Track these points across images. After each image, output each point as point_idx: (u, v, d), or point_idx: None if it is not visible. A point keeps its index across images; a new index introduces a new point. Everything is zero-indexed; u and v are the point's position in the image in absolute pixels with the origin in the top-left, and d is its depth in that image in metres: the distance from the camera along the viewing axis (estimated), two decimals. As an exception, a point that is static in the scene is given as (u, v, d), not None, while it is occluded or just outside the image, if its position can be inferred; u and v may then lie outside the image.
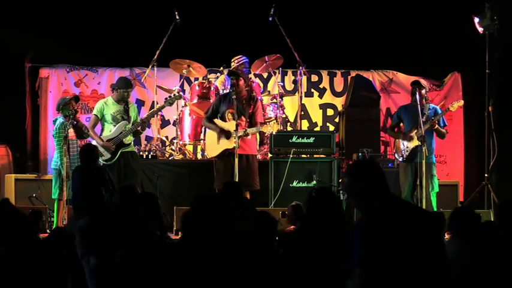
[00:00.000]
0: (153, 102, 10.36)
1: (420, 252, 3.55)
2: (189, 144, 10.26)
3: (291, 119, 10.91)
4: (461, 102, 8.98)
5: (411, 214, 3.68)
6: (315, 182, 8.91)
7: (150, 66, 10.24)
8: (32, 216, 6.88)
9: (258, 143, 9.41)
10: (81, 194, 7.23)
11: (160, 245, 4.43)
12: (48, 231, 8.44)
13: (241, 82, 8.60)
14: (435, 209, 8.28)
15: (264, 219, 5.34)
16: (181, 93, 9.50)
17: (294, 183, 8.99)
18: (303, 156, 9.23)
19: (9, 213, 4.49)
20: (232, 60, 10.07)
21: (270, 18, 10.12)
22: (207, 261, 3.75)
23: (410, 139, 8.44)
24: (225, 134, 8.44)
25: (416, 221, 3.64)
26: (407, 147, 8.48)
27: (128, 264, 4.20)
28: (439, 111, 8.62)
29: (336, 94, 11.62)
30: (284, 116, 10.26)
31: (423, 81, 8.68)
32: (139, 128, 8.70)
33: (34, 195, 9.32)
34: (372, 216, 3.62)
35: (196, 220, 3.83)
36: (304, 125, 11.33)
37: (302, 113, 10.82)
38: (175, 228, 7.99)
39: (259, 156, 9.37)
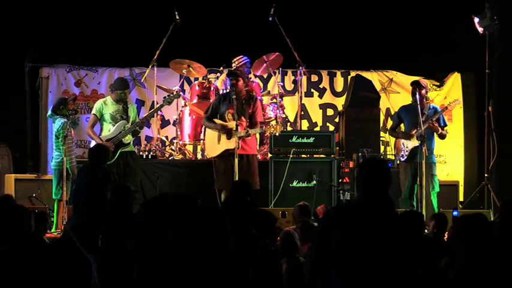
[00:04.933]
0: (153, 102, 10.36)
1: (370, 249, 3.66)
2: (189, 144, 10.25)
3: (291, 119, 10.91)
4: (460, 102, 8.98)
5: (374, 215, 3.76)
6: (314, 182, 8.91)
7: (150, 66, 10.24)
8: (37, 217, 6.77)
9: (258, 143, 9.41)
10: (83, 194, 7.18)
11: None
12: (48, 231, 8.46)
13: (241, 82, 8.60)
14: (436, 209, 8.30)
15: (265, 217, 5.36)
16: (180, 92, 9.50)
17: (294, 183, 8.99)
18: (303, 156, 9.22)
19: (9, 210, 4.48)
20: (233, 61, 10.05)
21: (270, 18, 10.12)
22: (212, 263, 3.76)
23: (410, 138, 8.45)
24: (227, 131, 8.43)
25: (376, 222, 3.73)
26: (407, 147, 8.49)
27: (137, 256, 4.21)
28: (439, 111, 8.61)
29: (336, 94, 11.62)
30: (284, 116, 10.26)
31: (423, 81, 8.69)
32: (138, 128, 8.70)
33: (34, 195, 9.32)
34: (334, 207, 3.83)
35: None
36: (304, 125, 11.33)
37: (302, 113, 10.82)
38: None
39: (259, 156, 9.37)
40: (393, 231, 3.74)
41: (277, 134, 8.46)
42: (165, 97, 9.11)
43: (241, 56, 9.98)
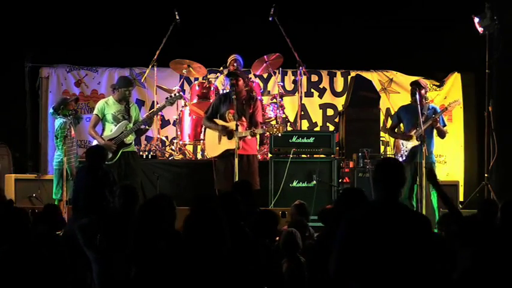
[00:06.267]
0: (153, 102, 10.36)
1: (391, 251, 3.69)
2: (189, 144, 10.26)
3: (291, 119, 10.91)
4: (459, 102, 8.97)
5: (393, 216, 3.79)
6: (315, 182, 8.91)
7: (150, 66, 10.24)
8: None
9: (258, 143, 9.41)
10: (83, 194, 7.17)
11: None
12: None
13: (241, 82, 8.60)
14: (436, 209, 8.30)
15: (267, 217, 5.36)
16: (181, 93, 9.51)
17: (294, 183, 8.99)
18: (303, 156, 9.23)
19: (10, 212, 4.49)
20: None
21: (270, 18, 10.12)
22: (212, 264, 3.76)
23: (409, 139, 8.45)
24: (227, 132, 8.43)
25: (395, 223, 3.75)
26: (406, 147, 8.49)
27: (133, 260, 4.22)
28: (438, 111, 8.61)
29: (336, 94, 11.63)
30: (284, 116, 10.26)
31: (423, 81, 8.69)
32: (144, 126, 8.69)
33: (34, 195, 9.32)
34: (357, 210, 3.89)
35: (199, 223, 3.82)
36: (304, 125, 11.34)
37: (302, 113, 10.82)
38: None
39: (259, 156, 9.37)
40: (414, 233, 3.74)
41: (279, 135, 8.47)
42: (167, 98, 9.11)
43: (233, 54, 10.03)
